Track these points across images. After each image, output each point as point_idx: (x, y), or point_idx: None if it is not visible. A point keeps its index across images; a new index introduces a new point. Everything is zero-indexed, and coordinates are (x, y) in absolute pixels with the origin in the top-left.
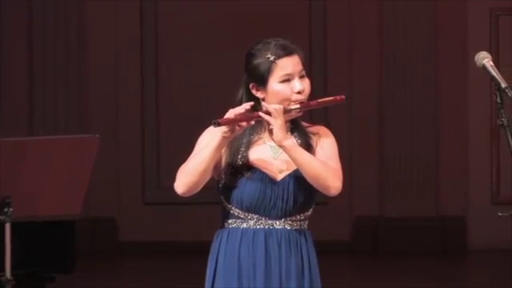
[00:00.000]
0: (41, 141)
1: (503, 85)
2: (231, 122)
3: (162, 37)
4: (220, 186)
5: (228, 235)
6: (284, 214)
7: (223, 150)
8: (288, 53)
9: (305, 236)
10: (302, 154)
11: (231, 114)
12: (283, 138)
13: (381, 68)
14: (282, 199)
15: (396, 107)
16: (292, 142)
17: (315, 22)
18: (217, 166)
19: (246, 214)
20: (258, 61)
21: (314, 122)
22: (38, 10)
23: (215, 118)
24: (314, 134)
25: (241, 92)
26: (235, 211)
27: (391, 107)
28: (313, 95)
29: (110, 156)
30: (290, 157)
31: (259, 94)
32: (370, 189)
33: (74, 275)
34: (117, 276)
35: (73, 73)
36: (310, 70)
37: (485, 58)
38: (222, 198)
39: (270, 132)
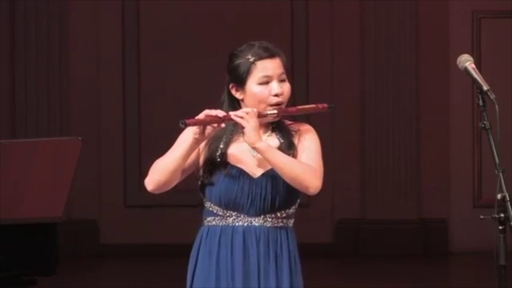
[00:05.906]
0: (23, 143)
1: (485, 87)
2: (199, 123)
3: (143, 38)
4: (199, 183)
5: (207, 233)
6: (262, 212)
7: (202, 148)
8: (269, 55)
9: (287, 234)
10: (277, 156)
11: (203, 114)
12: (256, 140)
13: (362, 70)
14: (260, 196)
15: (377, 109)
16: (266, 143)
17: (297, 23)
18: (195, 164)
19: (225, 212)
20: (238, 61)
21: (296, 120)
22: (20, 10)
23: (183, 119)
24: (295, 131)
25: (225, 92)
26: (214, 208)
27: (373, 109)
28: (291, 101)
29: (91, 159)
30: (265, 159)
31: (238, 95)
32: (351, 191)
33: (56, 278)
34: (98, 278)
35: (54, 75)
36: (291, 70)
37: (467, 61)
38: (202, 195)
39: (244, 134)
